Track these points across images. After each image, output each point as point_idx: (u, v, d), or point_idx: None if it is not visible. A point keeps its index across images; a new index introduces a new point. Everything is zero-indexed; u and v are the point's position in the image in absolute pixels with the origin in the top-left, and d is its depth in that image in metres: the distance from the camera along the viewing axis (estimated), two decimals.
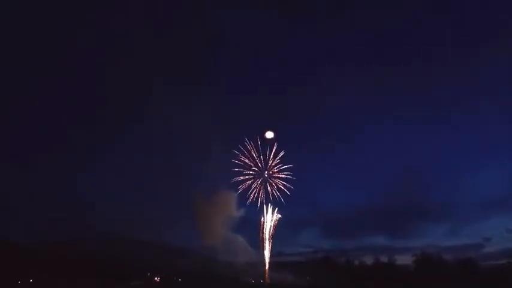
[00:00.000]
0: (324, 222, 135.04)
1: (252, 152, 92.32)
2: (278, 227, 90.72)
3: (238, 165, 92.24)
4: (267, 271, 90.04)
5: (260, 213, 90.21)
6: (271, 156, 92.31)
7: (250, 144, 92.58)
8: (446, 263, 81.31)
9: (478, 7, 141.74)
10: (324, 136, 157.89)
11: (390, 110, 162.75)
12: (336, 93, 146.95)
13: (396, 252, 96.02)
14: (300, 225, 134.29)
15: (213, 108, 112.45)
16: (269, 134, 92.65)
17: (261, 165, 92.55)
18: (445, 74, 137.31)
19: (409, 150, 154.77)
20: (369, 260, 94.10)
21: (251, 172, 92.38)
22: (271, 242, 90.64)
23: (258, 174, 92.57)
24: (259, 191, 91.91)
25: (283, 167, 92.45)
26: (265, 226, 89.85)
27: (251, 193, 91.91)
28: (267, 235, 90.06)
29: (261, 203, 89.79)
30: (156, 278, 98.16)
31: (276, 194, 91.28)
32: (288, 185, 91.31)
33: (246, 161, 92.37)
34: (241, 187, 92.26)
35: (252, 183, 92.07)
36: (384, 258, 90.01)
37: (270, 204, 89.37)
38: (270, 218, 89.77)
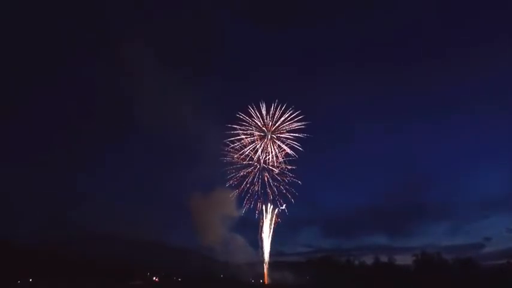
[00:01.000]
0: (324, 222, 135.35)
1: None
2: (278, 226, 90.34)
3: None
4: (266, 271, 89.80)
5: (259, 213, 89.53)
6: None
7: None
8: (446, 263, 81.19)
9: (476, 8, 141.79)
10: (324, 136, 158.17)
11: (391, 111, 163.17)
12: (336, 93, 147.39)
13: (396, 252, 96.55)
14: (300, 225, 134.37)
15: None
16: None
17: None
18: (444, 74, 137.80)
19: (409, 151, 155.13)
20: (369, 260, 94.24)
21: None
22: (271, 242, 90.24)
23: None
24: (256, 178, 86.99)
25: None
26: (264, 226, 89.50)
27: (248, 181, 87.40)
28: (266, 235, 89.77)
29: (261, 202, 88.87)
30: (155, 278, 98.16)
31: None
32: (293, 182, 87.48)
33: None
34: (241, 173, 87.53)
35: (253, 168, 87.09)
36: (384, 258, 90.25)
37: (269, 204, 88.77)
38: (269, 218, 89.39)
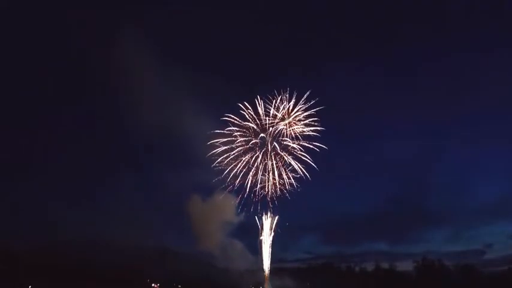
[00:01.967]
0: (324, 228, 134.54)
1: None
2: (278, 232, 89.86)
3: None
4: (267, 277, 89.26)
5: (259, 219, 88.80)
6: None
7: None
8: (447, 269, 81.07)
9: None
10: (322, 141, 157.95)
11: (390, 115, 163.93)
12: (335, 96, 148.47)
13: (397, 258, 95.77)
14: (301, 231, 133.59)
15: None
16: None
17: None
18: (444, 77, 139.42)
19: (410, 157, 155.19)
20: (369, 266, 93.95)
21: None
22: (271, 248, 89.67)
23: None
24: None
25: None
26: (264, 232, 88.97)
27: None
28: (266, 241, 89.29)
29: (261, 203, 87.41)
30: (153, 285, 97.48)
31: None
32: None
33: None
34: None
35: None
36: (385, 265, 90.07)
37: (269, 210, 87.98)
38: (269, 224, 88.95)
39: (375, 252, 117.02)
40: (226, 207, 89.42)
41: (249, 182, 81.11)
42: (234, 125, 76.79)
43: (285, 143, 76.77)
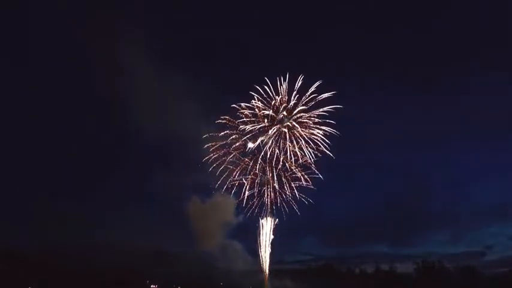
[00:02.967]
0: (324, 230, 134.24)
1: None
2: (277, 234, 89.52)
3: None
4: (266, 278, 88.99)
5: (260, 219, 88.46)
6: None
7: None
8: (447, 271, 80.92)
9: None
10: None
11: (391, 119, 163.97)
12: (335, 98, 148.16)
13: (397, 260, 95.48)
14: (301, 233, 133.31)
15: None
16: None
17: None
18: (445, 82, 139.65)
19: (410, 159, 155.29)
20: (369, 268, 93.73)
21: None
22: (271, 250, 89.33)
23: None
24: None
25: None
26: (264, 233, 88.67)
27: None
28: (266, 242, 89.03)
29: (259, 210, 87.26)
30: (153, 286, 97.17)
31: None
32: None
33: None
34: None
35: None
36: (385, 266, 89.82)
37: (268, 211, 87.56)
38: (269, 224, 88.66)
39: (375, 254, 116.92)
40: (225, 208, 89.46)
41: (249, 183, 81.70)
42: (229, 127, 73.30)
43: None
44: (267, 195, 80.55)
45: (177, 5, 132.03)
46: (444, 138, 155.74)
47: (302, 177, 73.65)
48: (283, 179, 76.34)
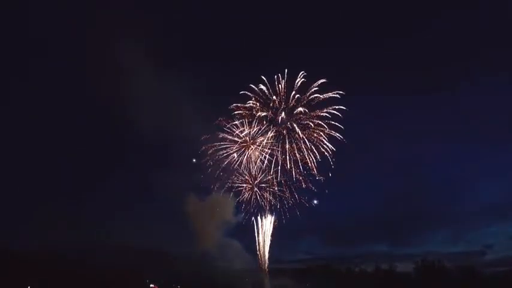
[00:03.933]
0: (324, 230, 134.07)
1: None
2: (277, 233, 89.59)
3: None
4: (265, 278, 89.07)
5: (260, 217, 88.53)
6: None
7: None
8: (447, 270, 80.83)
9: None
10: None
11: (390, 118, 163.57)
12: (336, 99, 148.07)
13: (397, 259, 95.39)
14: (300, 232, 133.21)
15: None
16: None
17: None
18: (444, 80, 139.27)
19: (409, 158, 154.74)
20: (369, 268, 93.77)
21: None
22: (270, 249, 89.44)
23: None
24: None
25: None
26: (263, 232, 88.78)
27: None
28: (265, 242, 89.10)
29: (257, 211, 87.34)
30: (152, 286, 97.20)
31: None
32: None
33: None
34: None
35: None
36: (385, 266, 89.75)
37: (267, 210, 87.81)
38: (268, 224, 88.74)
39: (375, 254, 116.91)
40: (224, 207, 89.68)
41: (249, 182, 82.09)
42: (226, 132, 77.71)
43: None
44: (268, 194, 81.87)
45: (177, 5, 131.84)
46: (444, 138, 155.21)
47: (302, 180, 75.32)
48: (283, 182, 78.06)
